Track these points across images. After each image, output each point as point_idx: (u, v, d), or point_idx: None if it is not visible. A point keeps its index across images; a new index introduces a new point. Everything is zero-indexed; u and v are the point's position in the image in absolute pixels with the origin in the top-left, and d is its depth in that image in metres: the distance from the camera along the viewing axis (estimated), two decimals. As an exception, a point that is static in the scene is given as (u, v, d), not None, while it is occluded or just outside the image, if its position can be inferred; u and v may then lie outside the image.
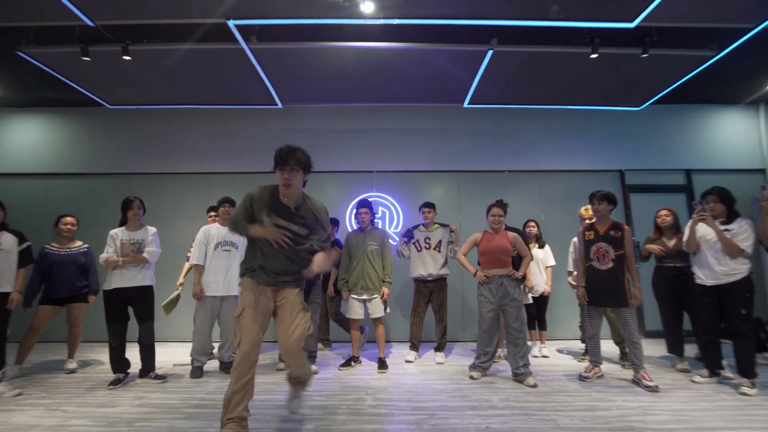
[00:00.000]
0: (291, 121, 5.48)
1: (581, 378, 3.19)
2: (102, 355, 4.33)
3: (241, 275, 2.18)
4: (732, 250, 2.91)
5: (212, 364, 3.63)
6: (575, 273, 3.81)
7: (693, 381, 3.09)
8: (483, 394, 2.82)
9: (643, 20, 3.28)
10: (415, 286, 3.96)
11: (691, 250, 3.17)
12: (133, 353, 3.27)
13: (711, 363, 3.10)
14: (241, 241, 3.68)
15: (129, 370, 3.24)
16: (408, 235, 4.02)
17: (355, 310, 3.63)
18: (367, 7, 3.30)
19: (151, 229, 3.42)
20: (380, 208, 5.19)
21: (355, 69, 4.24)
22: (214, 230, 3.60)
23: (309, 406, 2.56)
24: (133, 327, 3.28)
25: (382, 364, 3.55)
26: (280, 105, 4.90)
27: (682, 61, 4.05)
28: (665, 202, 4.19)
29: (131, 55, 3.88)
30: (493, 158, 5.44)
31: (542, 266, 4.05)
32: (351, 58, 4.07)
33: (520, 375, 3.12)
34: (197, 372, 3.36)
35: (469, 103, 4.93)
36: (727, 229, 2.97)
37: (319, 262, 2.08)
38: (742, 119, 5.65)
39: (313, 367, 3.52)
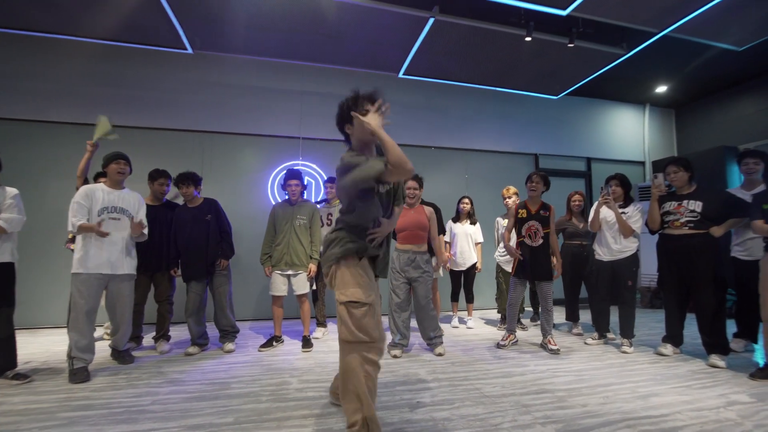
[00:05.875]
0: (203, 71, 4.69)
1: (499, 346, 3.42)
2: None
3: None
4: (626, 231, 3.31)
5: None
6: (499, 248, 4.05)
7: (586, 343, 3.53)
8: (411, 368, 2.84)
9: (574, 10, 3.42)
10: None
11: (595, 229, 3.54)
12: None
13: (601, 327, 3.57)
14: (138, 210, 3.06)
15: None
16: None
17: (278, 286, 3.35)
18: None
19: (11, 191, 2.65)
20: (306, 178, 4.85)
21: (284, 19, 3.74)
22: (100, 192, 2.94)
23: (226, 395, 2.29)
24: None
25: (307, 343, 3.37)
26: (190, 50, 4.16)
27: (598, 56, 4.40)
28: (571, 185, 4.60)
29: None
30: (423, 133, 5.42)
31: (473, 242, 4.17)
32: (280, 6, 3.57)
33: (432, 343, 3.26)
34: (81, 374, 2.62)
35: (404, 74, 4.77)
36: (623, 212, 3.37)
37: None
38: (632, 116, 6.48)
39: (230, 346, 3.26)
